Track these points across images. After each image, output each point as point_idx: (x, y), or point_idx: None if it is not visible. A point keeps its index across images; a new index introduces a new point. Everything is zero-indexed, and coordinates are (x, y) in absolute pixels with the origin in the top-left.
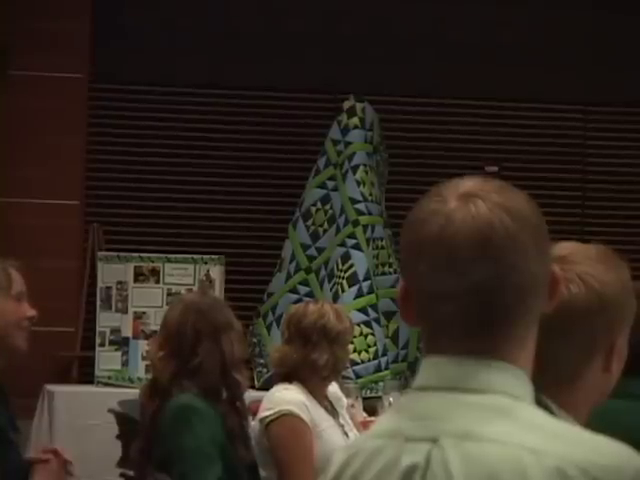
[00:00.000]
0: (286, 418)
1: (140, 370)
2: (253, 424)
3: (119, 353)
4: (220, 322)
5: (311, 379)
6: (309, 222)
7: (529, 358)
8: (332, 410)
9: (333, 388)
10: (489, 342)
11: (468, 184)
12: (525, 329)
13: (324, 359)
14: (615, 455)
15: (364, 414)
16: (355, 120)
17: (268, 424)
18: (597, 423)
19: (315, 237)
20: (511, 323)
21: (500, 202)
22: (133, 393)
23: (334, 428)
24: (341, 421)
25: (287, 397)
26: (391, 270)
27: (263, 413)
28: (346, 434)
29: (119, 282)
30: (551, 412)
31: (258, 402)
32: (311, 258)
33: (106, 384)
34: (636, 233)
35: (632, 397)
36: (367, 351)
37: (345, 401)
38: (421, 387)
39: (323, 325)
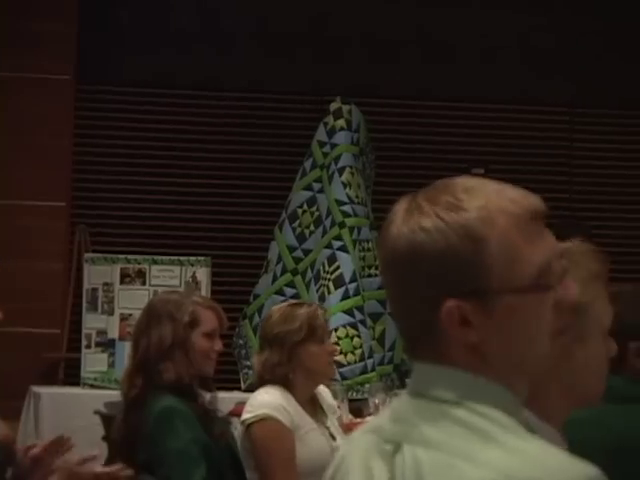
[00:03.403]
0: (265, 421)
1: None
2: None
3: (105, 355)
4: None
5: (294, 382)
6: (295, 224)
7: (487, 363)
8: (321, 413)
9: (326, 393)
10: (435, 348)
11: (427, 194)
12: (474, 336)
13: (268, 362)
14: (569, 474)
15: (350, 416)
16: (341, 122)
17: (249, 426)
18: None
19: (301, 239)
20: (438, 333)
21: (422, 224)
22: (119, 395)
23: (318, 431)
24: (328, 424)
25: (267, 400)
26: (377, 272)
27: (244, 415)
28: (333, 438)
29: (105, 284)
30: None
31: (244, 404)
32: (297, 260)
33: (92, 386)
34: (622, 235)
35: (620, 400)
36: (353, 353)
37: (336, 406)
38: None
39: (262, 328)
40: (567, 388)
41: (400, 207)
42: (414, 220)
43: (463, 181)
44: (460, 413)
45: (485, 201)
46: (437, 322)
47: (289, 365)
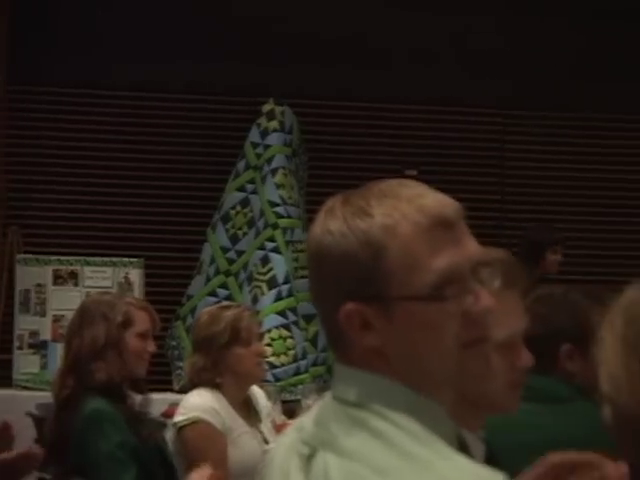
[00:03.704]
0: (197, 424)
1: None
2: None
3: (37, 356)
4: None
5: (223, 385)
6: (228, 225)
7: (392, 367)
8: (254, 416)
9: (261, 395)
10: (347, 352)
11: (347, 197)
12: (375, 339)
13: (196, 365)
14: None
15: (283, 417)
16: (274, 123)
17: (180, 429)
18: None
19: (234, 240)
20: (348, 335)
21: (330, 227)
22: (51, 396)
23: (250, 434)
24: (261, 428)
25: (198, 403)
26: None
27: (176, 418)
28: (266, 441)
29: (38, 285)
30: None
31: (177, 405)
32: (230, 261)
33: (24, 387)
34: None
35: (552, 401)
36: (286, 354)
37: (270, 409)
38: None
39: (192, 330)
40: (470, 396)
41: (323, 208)
42: (326, 223)
43: (383, 186)
44: (371, 419)
45: (392, 208)
46: (340, 324)
47: (215, 369)
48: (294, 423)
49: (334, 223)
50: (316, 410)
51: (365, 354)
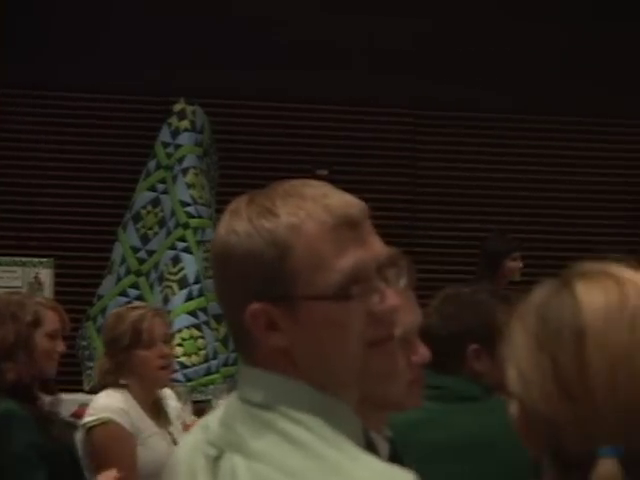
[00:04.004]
0: (106, 424)
1: None
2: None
3: None
4: None
5: (130, 387)
6: (139, 225)
7: (299, 368)
8: (164, 418)
9: (172, 397)
10: (253, 353)
11: (253, 197)
12: (281, 339)
13: (102, 367)
14: None
15: (193, 417)
16: (185, 123)
17: (89, 429)
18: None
19: (145, 240)
20: (254, 335)
21: (235, 227)
22: None
23: (159, 436)
24: (171, 429)
25: (107, 403)
26: None
27: (85, 419)
28: (175, 442)
29: None
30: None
31: (87, 406)
32: (141, 261)
33: None
34: (464, 237)
35: (459, 399)
36: (197, 354)
37: (180, 410)
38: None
39: (102, 331)
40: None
41: (228, 208)
42: (231, 223)
43: (287, 186)
44: (278, 421)
45: (297, 208)
46: (245, 325)
47: (119, 371)
48: (199, 422)
49: (239, 223)
50: (221, 411)
51: (271, 354)
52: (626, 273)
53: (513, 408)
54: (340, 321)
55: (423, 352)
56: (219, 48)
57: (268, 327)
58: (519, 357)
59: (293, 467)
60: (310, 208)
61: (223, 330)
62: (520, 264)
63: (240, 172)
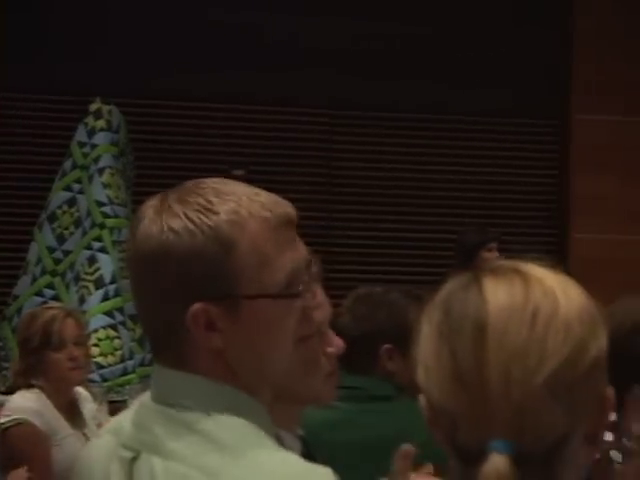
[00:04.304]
0: (21, 425)
1: None
2: None
3: None
4: None
5: (47, 387)
6: (55, 225)
7: (231, 371)
8: (79, 420)
9: (87, 398)
10: (180, 353)
11: (178, 195)
12: (218, 340)
13: (15, 367)
14: None
15: (109, 418)
16: (101, 122)
17: (4, 430)
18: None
19: (61, 240)
20: (182, 336)
21: (172, 225)
22: None
23: (74, 437)
24: (85, 430)
25: (22, 404)
26: None
27: (0, 419)
28: None
29: None
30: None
31: (2, 406)
32: (57, 261)
33: None
34: (382, 237)
35: (371, 399)
36: (113, 354)
37: (95, 411)
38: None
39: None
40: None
41: (149, 207)
42: (163, 221)
43: (214, 183)
44: (198, 421)
45: (236, 205)
46: (183, 325)
47: (30, 372)
48: (106, 427)
49: (175, 221)
50: (133, 413)
51: (206, 357)
52: (535, 271)
53: (422, 402)
54: (280, 319)
55: (338, 343)
56: (134, 47)
57: (207, 328)
58: (423, 350)
59: (213, 466)
60: (249, 206)
61: (139, 330)
62: (496, 254)
63: (156, 172)
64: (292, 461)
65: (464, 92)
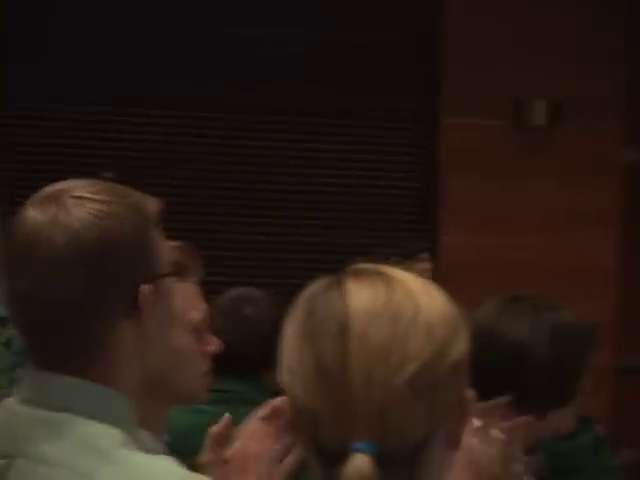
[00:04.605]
0: None
1: None
2: None
3: None
4: None
5: None
6: None
7: (118, 373)
8: None
9: None
10: (56, 357)
11: (70, 196)
12: (97, 346)
13: None
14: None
15: None
16: None
17: None
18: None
19: None
20: (65, 339)
21: (60, 217)
22: None
23: None
24: None
25: None
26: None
27: None
28: None
29: None
30: None
31: None
32: None
33: None
34: (216, 238)
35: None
36: None
37: None
38: (19, 397)
39: None
40: (165, 387)
41: (46, 205)
42: (52, 213)
43: (97, 183)
44: (75, 425)
45: (123, 198)
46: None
47: None
48: None
49: (82, 216)
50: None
51: (87, 360)
52: (397, 273)
53: (286, 404)
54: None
55: (215, 342)
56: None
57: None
58: (286, 349)
59: (90, 470)
60: (140, 199)
61: (6, 333)
62: (428, 265)
63: (25, 175)
64: (167, 465)
65: (324, 92)
